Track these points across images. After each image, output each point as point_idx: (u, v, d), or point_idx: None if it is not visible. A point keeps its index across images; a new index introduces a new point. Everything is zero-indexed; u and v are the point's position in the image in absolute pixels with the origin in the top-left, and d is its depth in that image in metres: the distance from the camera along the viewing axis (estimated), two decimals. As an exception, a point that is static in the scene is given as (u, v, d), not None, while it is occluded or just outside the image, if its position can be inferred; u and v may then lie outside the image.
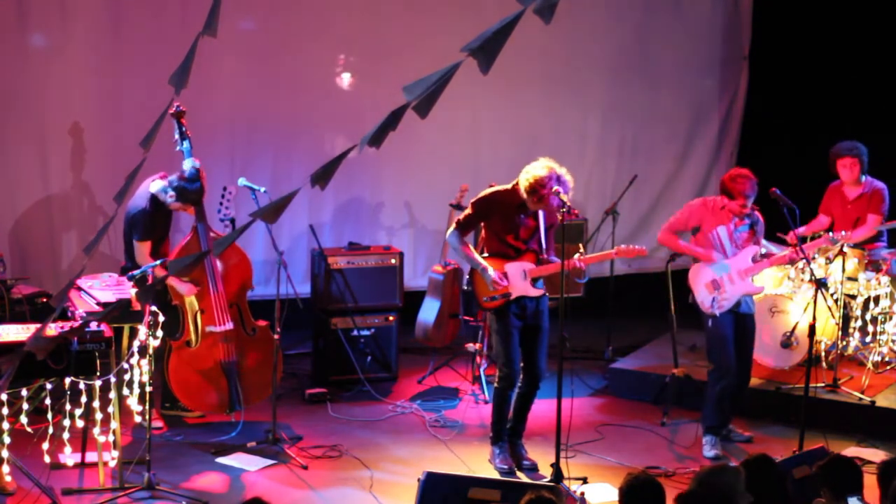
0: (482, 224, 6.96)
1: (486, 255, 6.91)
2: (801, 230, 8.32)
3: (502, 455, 6.95)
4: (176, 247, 7.45)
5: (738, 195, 7.07)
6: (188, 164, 7.26)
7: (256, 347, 7.48)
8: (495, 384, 6.93)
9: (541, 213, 6.83)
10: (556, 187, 6.59)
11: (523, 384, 6.95)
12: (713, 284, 7.20)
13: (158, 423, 7.41)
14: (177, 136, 7.36)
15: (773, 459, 4.96)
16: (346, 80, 9.67)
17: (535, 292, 6.85)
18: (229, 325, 7.37)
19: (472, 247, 6.93)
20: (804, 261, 7.41)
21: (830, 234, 7.74)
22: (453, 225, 6.90)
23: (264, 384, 7.40)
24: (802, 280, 8.17)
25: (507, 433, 7.00)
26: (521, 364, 6.89)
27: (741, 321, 7.29)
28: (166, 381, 7.38)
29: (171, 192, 7.18)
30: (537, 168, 6.62)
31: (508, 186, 6.80)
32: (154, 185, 7.24)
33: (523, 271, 6.83)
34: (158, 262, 6.83)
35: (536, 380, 6.93)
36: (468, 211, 6.89)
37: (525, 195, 6.67)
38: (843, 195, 8.42)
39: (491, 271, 6.74)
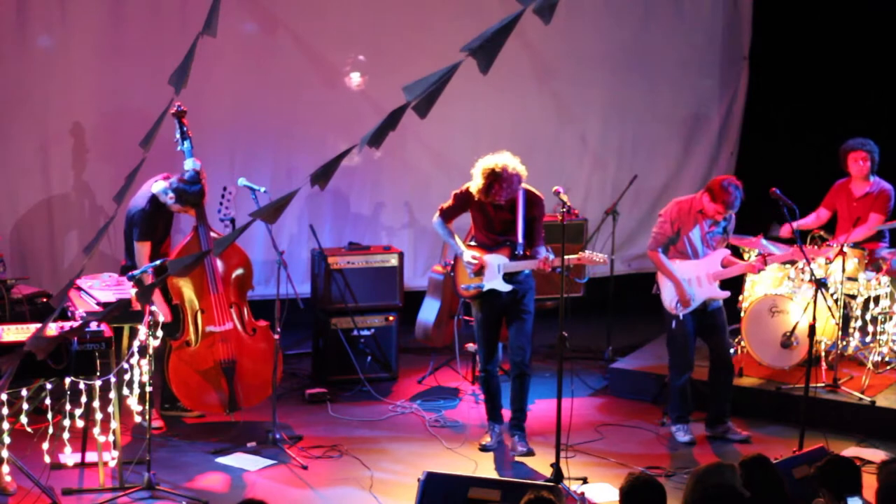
0: (470, 214, 7.18)
1: (470, 243, 7.19)
2: (797, 224, 8.36)
3: (490, 433, 7.24)
4: (176, 247, 7.45)
5: (721, 203, 7.08)
6: (189, 165, 7.26)
7: (256, 348, 7.47)
8: (477, 371, 7.30)
9: (520, 206, 6.95)
10: (556, 187, 6.85)
11: (512, 367, 7.17)
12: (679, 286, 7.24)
13: (158, 423, 7.41)
14: (178, 136, 7.37)
15: (769, 459, 4.96)
16: (346, 80, 9.66)
17: (504, 287, 7.04)
18: (229, 326, 7.37)
19: (455, 235, 7.21)
20: (804, 260, 7.42)
21: (833, 244, 7.82)
22: (437, 211, 7.18)
23: (264, 385, 7.39)
24: (802, 280, 8.17)
25: (499, 409, 7.27)
26: (509, 353, 7.19)
27: (710, 317, 7.37)
28: (166, 380, 7.38)
29: (171, 195, 7.18)
30: (479, 167, 6.89)
31: None
32: (156, 185, 7.24)
33: (498, 265, 7.03)
34: (158, 261, 6.83)
35: (522, 365, 7.10)
36: (449, 201, 7.15)
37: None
38: (849, 192, 8.42)
39: (467, 253, 7.05)
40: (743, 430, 7.52)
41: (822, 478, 4.74)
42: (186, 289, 7.31)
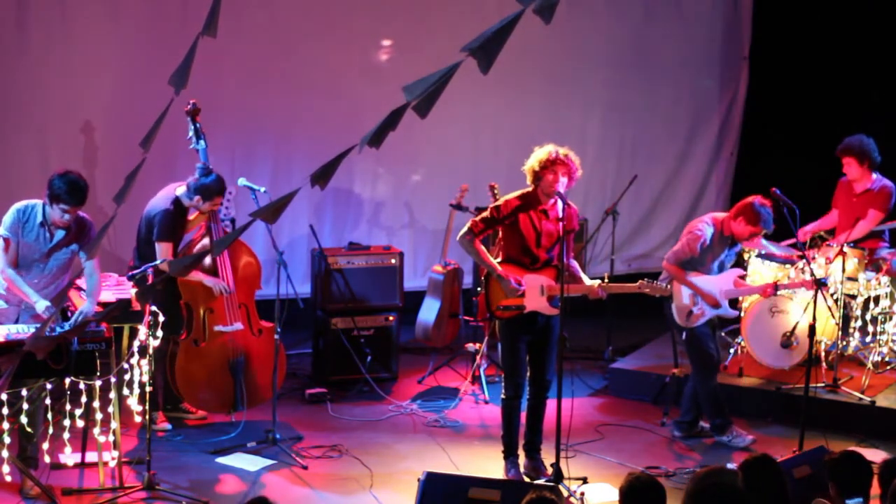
0: (499, 229, 6.69)
1: (499, 260, 6.67)
2: (813, 226, 8.38)
3: (515, 470, 6.77)
4: (187, 245, 7.43)
5: (760, 225, 7.04)
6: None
7: (262, 349, 7.46)
8: (502, 396, 6.77)
9: (561, 218, 6.51)
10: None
11: (530, 394, 6.82)
12: (692, 299, 7.24)
13: (167, 426, 7.40)
14: (191, 135, 7.35)
15: (774, 459, 4.95)
16: (346, 79, 9.66)
17: (550, 311, 6.61)
18: (238, 326, 7.37)
19: (487, 252, 6.70)
20: (804, 260, 7.42)
21: (833, 244, 7.87)
22: (467, 226, 6.58)
23: (269, 385, 7.38)
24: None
25: (517, 446, 6.83)
26: (528, 375, 6.76)
27: (714, 321, 7.41)
28: (171, 378, 7.36)
29: (196, 197, 7.15)
30: (538, 151, 6.54)
31: (529, 189, 6.61)
32: (179, 189, 7.24)
33: (541, 286, 6.59)
34: (158, 261, 6.82)
35: (543, 390, 6.77)
36: (486, 214, 6.60)
37: (535, 182, 6.51)
38: (851, 189, 8.41)
39: (509, 278, 6.53)
40: (748, 432, 7.47)
41: (832, 472, 4.70)
42: (196, 287, 7.30)
